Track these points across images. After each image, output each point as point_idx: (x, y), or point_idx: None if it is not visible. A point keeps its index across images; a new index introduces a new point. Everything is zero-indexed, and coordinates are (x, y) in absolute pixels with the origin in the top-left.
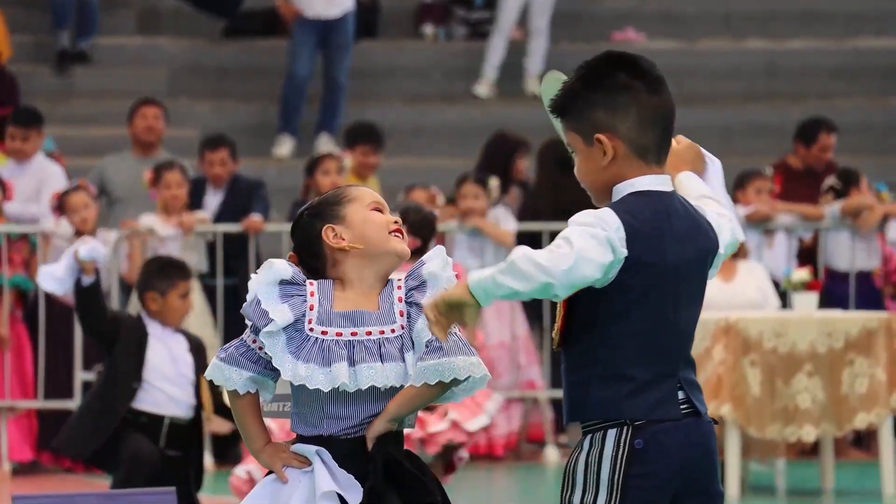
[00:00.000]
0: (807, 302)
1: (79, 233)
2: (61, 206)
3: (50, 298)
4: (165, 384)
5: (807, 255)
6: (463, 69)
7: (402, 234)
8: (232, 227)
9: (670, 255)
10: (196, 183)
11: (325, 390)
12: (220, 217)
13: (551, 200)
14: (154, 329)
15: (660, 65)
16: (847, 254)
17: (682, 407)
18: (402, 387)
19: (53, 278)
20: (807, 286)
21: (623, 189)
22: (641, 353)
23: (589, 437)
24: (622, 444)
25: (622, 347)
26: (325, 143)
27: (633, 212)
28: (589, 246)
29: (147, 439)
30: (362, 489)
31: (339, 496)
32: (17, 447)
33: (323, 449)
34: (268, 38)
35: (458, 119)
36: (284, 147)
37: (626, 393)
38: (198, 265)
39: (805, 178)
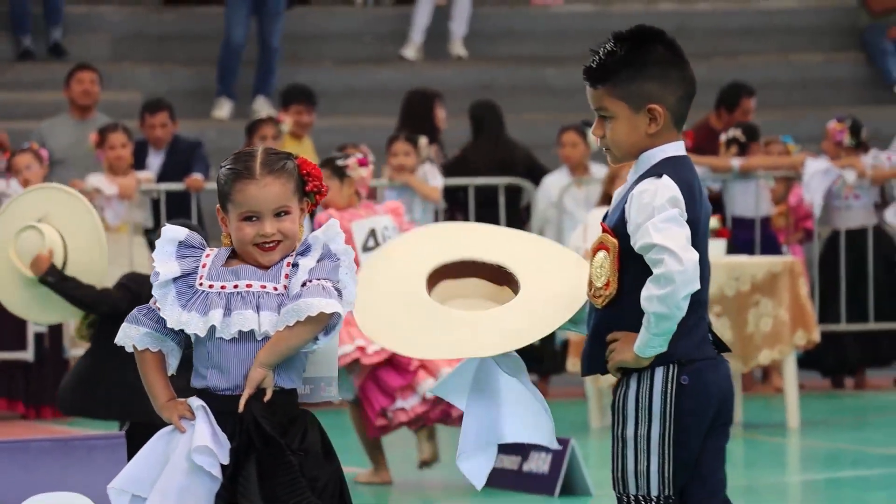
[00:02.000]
0: (716, 248)
1: None
2: (10, 167)
3: None
4: None
5: (715, 204)
6: (391, 33)
7: (271, 245)
8: (175, 186)
9: (701, 211)
10: (139, 145)
11: (201, 335)
12: (162, 176)
13: (491, 156)
14: None
15: (576, 27)
16: (752, 202)
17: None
18: None
19: None
20: (715, 233)
21: (655, 155)
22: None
23: (636, 375)
24: (670, 381)
25: None
26: (261, 105)
27: (678, 175)
28: (676, 232)
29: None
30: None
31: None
32: None
33: (205, 404)
34: (206, 5)
35: (387, 80)
36: (223, 109)
37: (677, 336)
38: (144, 221)
39: None
